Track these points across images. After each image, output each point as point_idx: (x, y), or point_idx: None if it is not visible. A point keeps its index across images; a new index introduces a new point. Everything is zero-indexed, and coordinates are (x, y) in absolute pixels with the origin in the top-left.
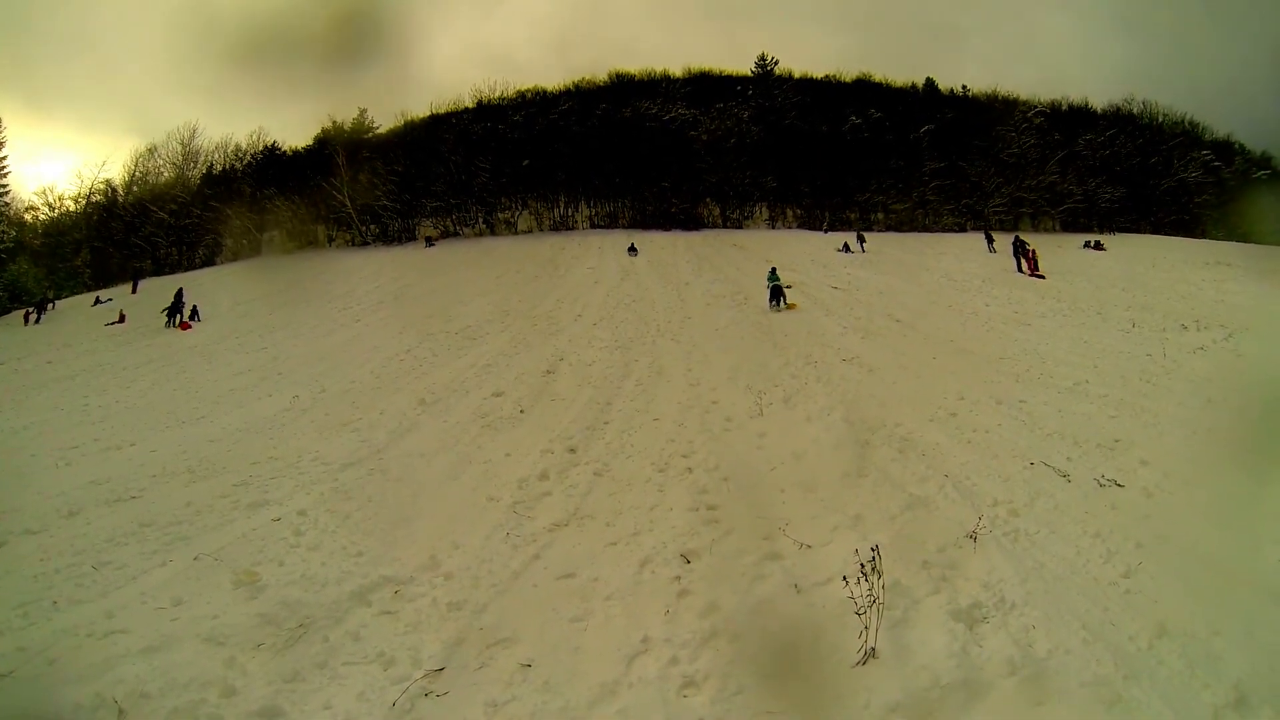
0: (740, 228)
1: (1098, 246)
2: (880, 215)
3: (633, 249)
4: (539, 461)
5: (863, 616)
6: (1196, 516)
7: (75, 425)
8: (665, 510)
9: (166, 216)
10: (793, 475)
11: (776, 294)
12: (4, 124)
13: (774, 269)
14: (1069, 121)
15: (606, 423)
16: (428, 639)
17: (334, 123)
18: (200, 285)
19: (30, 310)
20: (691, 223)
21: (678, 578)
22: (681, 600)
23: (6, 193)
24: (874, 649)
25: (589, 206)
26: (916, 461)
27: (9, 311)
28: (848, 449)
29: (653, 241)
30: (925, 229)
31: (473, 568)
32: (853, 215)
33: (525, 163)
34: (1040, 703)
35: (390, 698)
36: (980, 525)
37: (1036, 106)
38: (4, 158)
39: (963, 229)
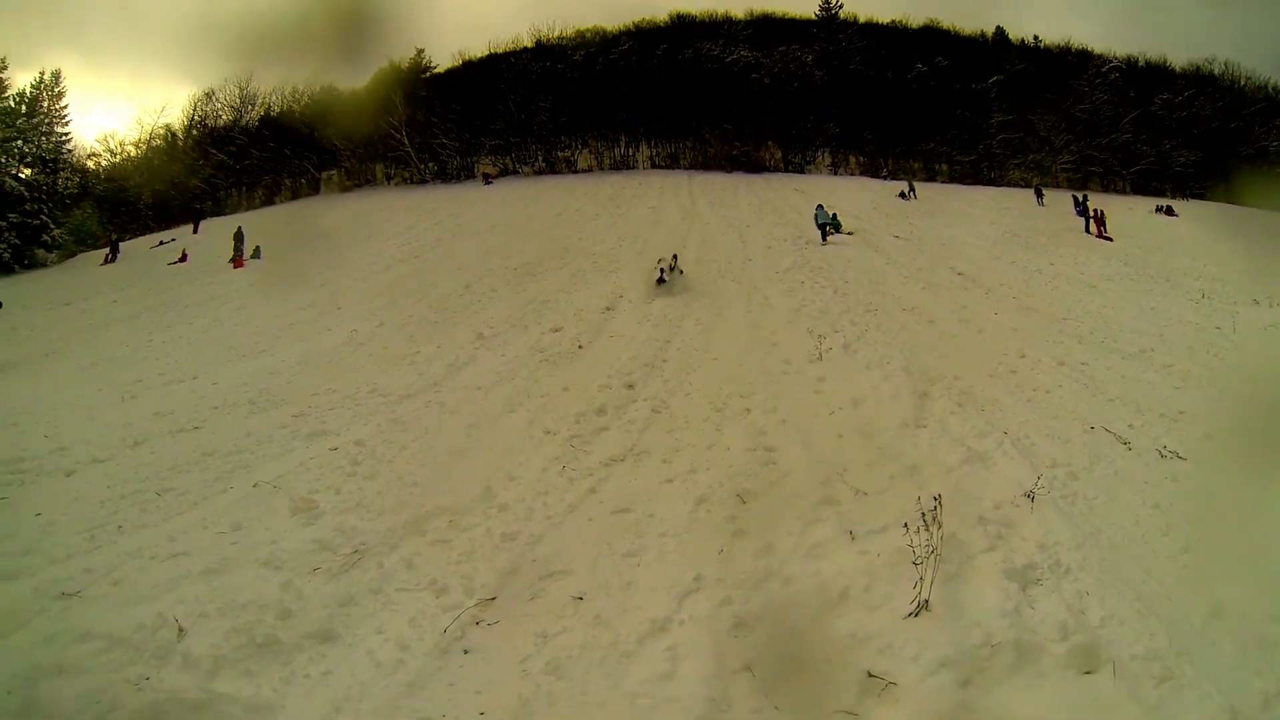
0: (802, 172)
1: (1169, 212)
2: (944, 166)
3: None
4: (597, 397)
5: (919, 567)
6: (1259, 498)
7: (140, 360)
8: (722, 450)
9: (226, 158)
10: (851, 421)
11: (824, 228)
12: (63, 77)
13: (820, 206)
14: (1145, 79)
15: (665, 360)
16: (481, 568)
17: (391, 63)
18: (260, 224)
19: (108, 251)
20: (753, 166)
21: (733, 518)
22: (736, 541)
23: (68, 141)
24: (927, 601)
25: (649, 147)
26: (975, 416)
27: (74, 255)
28: (906, 399)
29: (714, 184)
30: (990, 183)
31: (528, 500)
32: (916, 165)
33: (584, 103)
34: (1090, 670)
35: (442, 624)
36: (1038, 485)
37: (1111, 61)
38: (65, 108)
39: (1028, 184)
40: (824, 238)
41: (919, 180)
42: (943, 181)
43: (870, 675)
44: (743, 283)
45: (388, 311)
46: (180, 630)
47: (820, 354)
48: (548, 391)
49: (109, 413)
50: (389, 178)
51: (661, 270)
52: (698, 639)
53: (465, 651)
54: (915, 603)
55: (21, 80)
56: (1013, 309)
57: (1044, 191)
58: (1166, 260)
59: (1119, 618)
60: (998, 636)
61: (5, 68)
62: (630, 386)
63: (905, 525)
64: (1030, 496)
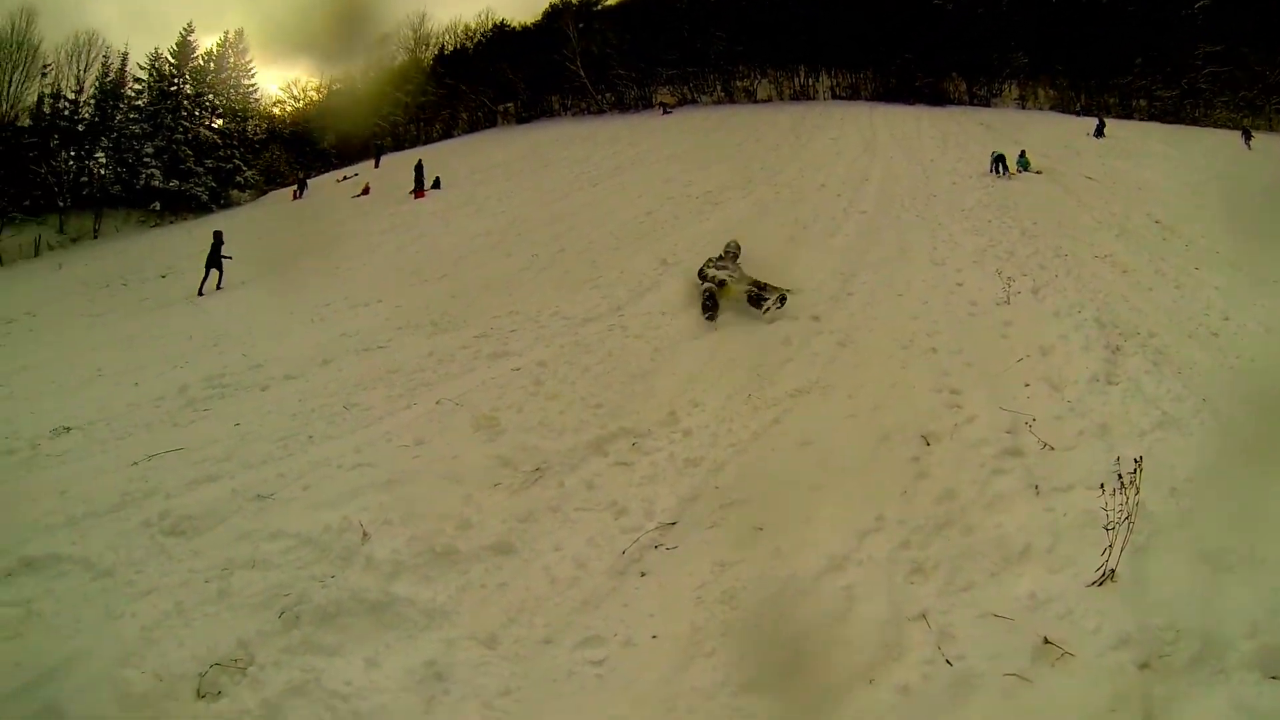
0: (987, 105)
1: None
2: (1142, 103)
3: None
4: (781, 327)
5: (1110, 533)
6: None
7: (327, 286)
8: (907, 388)
9: (403, 96)
10: (1039, 370)
11: (998, 162)
12: (245, 35)
13: (1000, 154)
14: None
15: (850, 294)
16: (662, 492)
17: None
18: (439, 157)
19: (296, 188)
20: (936, 98)
21: (916, 459)
22: (919, 483)
23: (255, 92)
24: (1114, 571)
25: (829, 77)
26: (1171, 378)
27: (265, 194)
28: (1097, 352)
29: (895, 116)
30: (1194, 122)
31: (711, 426)
32: (1111, 100)
33: (762, 32)
34: (1277, 676)
35: (620, 546)
36: None
37: None
38: (250, 62)
39: (1236, 126)
40: (999, 170)
41: (1114, 117)
42: (1140, 119)
43: (1046, 641)
44: (926, 219)
45: (568, 237)
46: (364, 535)
47: (1008, 297)
48: (729, 321)
49: (299, 334)
50: (565, 109)
51: (708, 293)
52: (875, 581)
53: (642, 574)
54: (1101, 571)
55: (207, 42)
56: (1218, 264)
57: (1253, 134)
58: None
59: None
60: (1183, 622)
61: (193, 31)
62: (816, 318)
63: (1101, 486)
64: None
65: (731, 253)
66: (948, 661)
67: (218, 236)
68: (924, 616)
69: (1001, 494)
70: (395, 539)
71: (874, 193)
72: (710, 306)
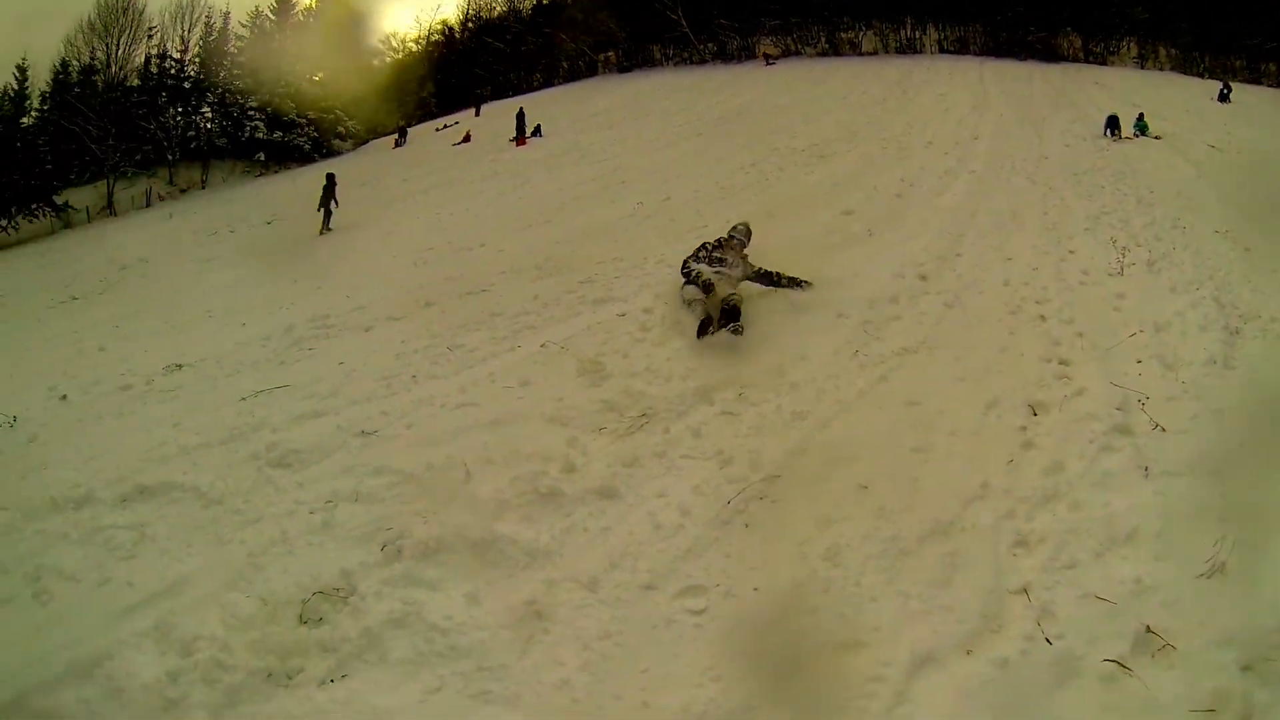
0: (1103, 64)
1: None
2: (1272, 67)
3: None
4: (888, 285)
5: (1224, 524)
6: None
7: (430, 231)
8: (1016, 355)
9: (502, 46)
10: (1151, 347)
11: (1113, 124)
12: None
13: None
14: None
15: (958, 255)
16: (768, 444)
17: None
18: (539, 105)
19: (397, 136)
20: (1049, 54)
21: (1023, 428)
22: (1026, 453)
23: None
24: (1224, 564)
25: (937, 30)
26: None
27: (366, 143)
28: (1215, 333)
29: (1006, 72)
30: None
31: (818, 380)
32: (1238, 63)
33: None
34: None
35: (725, 495)
36: None
37: None
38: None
39: None
40: (1113, 133)
41: (1240, 81)
42: (1270, 85)
43: (1149, 630)
44: (1037, 181)
45: (672, 186)
46: (467, 473)
47: (1121, 268)
48: (838, 274)
49: (403, 277)
50: (666, 59)
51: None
52: (978, 550)
53: (745, 525)
54: (1210, 563)
55: None
56: None
57: None
58: None
59: None
60: None
61: None
62: (923, 278)
63: (1217, 474)
64: None
65: (738, 240)
66: (1047, 640)
67: (330, 179)
68: (1025, 591)
69: (1110, 472)
70: (499, 478)
71: (983, 151)
72: (706, 325)
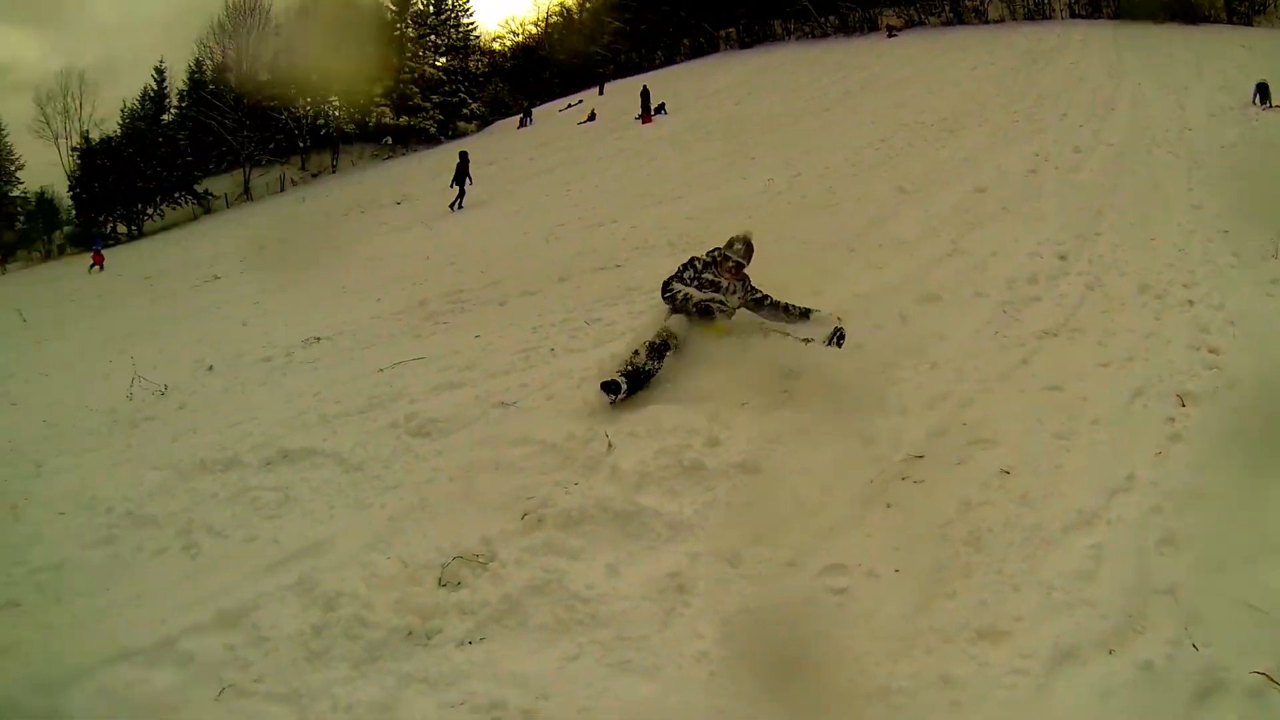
0: (1249, 24)
1: None
2: None
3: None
4: (1026, 264)
5: None
6: None
7: (559, 208)
8: (1162, 341)
9: (622, 24)
10: None
11: (1262, 92)
12: None
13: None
14: None
15: (1097, 234)
16: (909, 424)
17: None
18: (662, 82)
19: (521, 117)
20: (1189, 15)
21: (1171, 419)
22: (1174, 445)
23: (474, 30)
24: None
25: None
26: None
27: (490, 124)
28: None
29: (1142, 36)
30: None
31: (957, 361)
32: None
33: None
34: None
35: (867, 474)
36: None
37: None
38: (467, 2)
39: None
40: (1263, 101)
41: None
42: None
43: None
44: (1180, 155)
45: (802, 163)
46: (610, 445)
47: (1276, 251)
48: (973, 251)
49: (535, 252)
50: (788, 33)
51: (660, 340)
52: (1123, 544)
53: (887, 505)
54: None
55: None
56: None
57: None
58: None
59: None
60: None
61: None
62: (1062, 258)
63: None
64: None
65: (733, 260)
66: (1194, 645)
67: (463, 157)
68: (1172, 592)
69: None
70: (641, 451)
71: (1121, 124)
72: (645, 366)
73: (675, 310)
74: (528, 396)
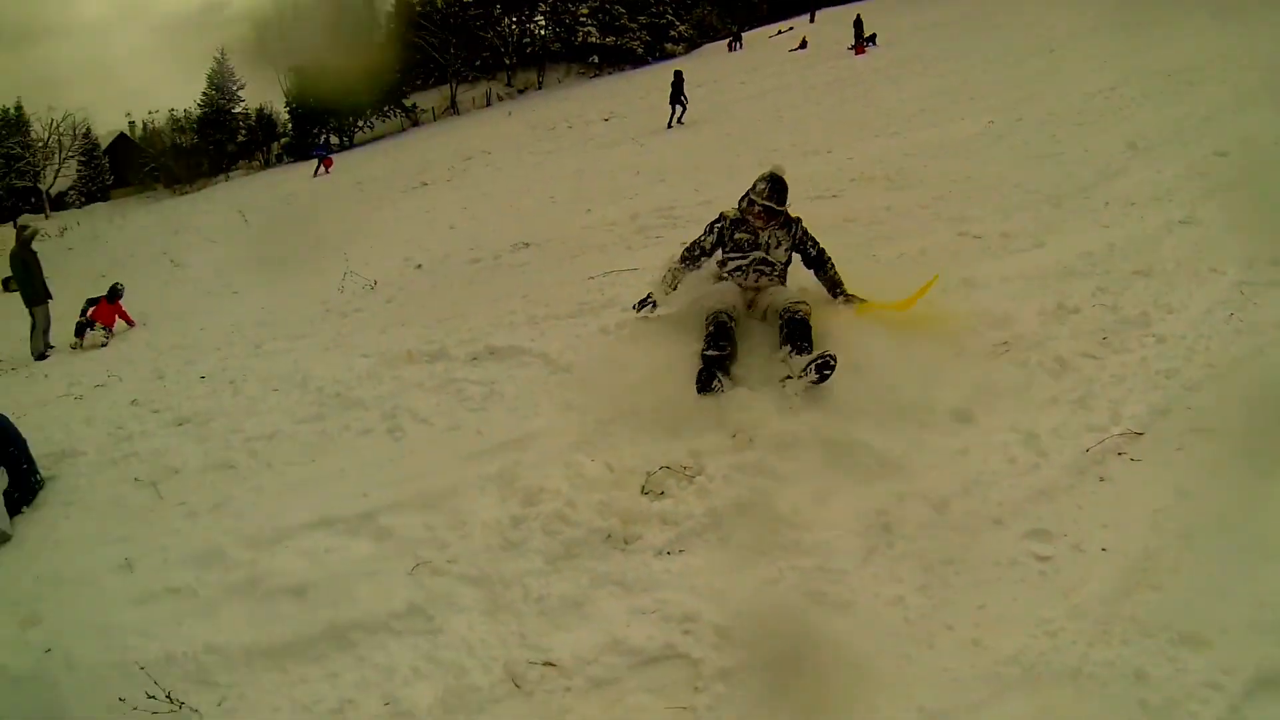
0: None
1: None
2: None
3: None
4: (1271, 243)
5: None
6: None
7: (772, 133)
8: None
9: None
10: None
11: None
12: None
13: None
14: None
15: None
16: (1130, 398)
17: None
18: (876, 13)
19: (730, 40)
20: None
21: None
22: None
23: None
24: None
25: None
26: None
27: (699, 46)
28: None
29: None
30: None
31: (1188, 338)
32: None
33: None
34: None
35: (1083, 443)
36: None
37: None
38: None
39: None
40: None
41: None
42: None
43: None
44: None
45: (1025, 106)
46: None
47: None
48: (1208, 220)
49: (748, 176)
50: None
51: (717, 322)
52: None
53: (1100, 479)
54: None
55: None
56: None
57: None
58: None
59: None
60: None
61: None
62: None
63: None
64: None
65: (759, 204)
66: None
67: (678, 76)
68: None
69: None
70: (857, 384)
71: None
72: (717, 357)
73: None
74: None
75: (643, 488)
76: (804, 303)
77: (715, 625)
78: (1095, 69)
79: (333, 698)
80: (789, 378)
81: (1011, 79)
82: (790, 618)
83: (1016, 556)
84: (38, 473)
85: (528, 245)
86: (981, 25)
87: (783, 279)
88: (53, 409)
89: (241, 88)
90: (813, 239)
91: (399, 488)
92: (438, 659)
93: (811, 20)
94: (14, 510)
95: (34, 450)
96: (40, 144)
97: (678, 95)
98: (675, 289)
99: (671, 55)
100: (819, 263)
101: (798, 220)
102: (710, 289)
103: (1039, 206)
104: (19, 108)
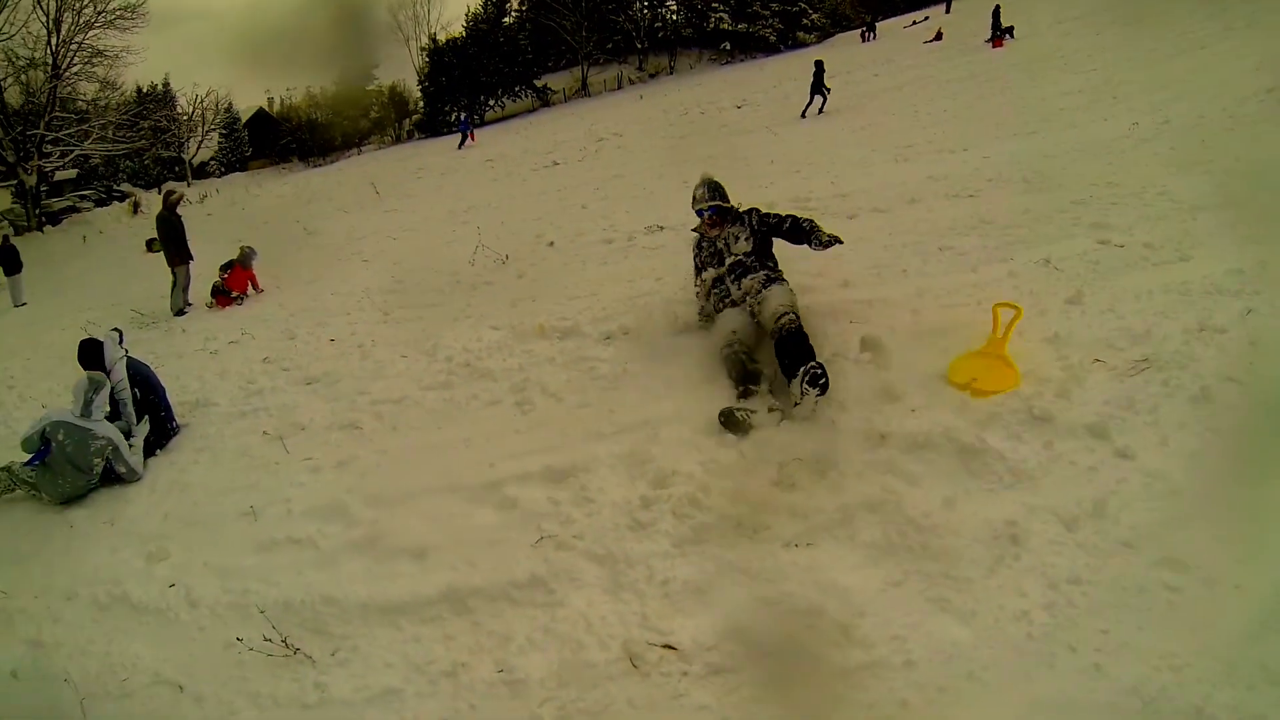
0: None
1: None
2: None
3: None
4: None
5: None
6: None
7: (906, 129)
8: None
9: None
10: None
11: None
12: None
13: None
14: None
15: None
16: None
17: None
18: (1015, 4)
19: (864, 30)
20: None
21: None
22: None
23: None
24: None
25: None
26: None
27: (831, 36)
28: None
29: None
30: None
31: None
32: None
33: None
34: None
35: (1225, 466)
36: None
37: None
38: None
39: None
40: None
41: None
42: None
43: None
44: None
45: (1173, 108)
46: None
47: None
48: None
49: (882, 171)
50: None
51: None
52: None
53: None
54: None
55: None
56: None
57: None
58: None
59: None
60: None
61: None
62: None
63: None
64: None
65: (705, 213)
66: None
67: (819, 65)
68: None
69: None
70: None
71: None
72: (747, 375)
73: (722, 303)
74: (874, 313)
75: (775, 478)
76: (788, 312)
77: (839, 623)
78: (1251, 69)
79: (446, 660)
80: (797, 404)
81: (1158, 78)
82: (909, 622)
83: (1145, 584)
84: (174, 420)
85: (662, 229)
86: (1128, 19)
87: (769, 269)
88: (189, 361)
89: (375, 66)
90: (774, 214)
91: (526, 460)
92: (555, 632)
93: (947, 10)
94: (149, 453)
95: (171, 399)
96: (185, 117)
97: (819, 85)
98: (711, 316)
99: (804, 44)
100: (794, 231)
101: (750, 210)
102: (715, 324)
103: (1185, 217)
104: (166, 83)
